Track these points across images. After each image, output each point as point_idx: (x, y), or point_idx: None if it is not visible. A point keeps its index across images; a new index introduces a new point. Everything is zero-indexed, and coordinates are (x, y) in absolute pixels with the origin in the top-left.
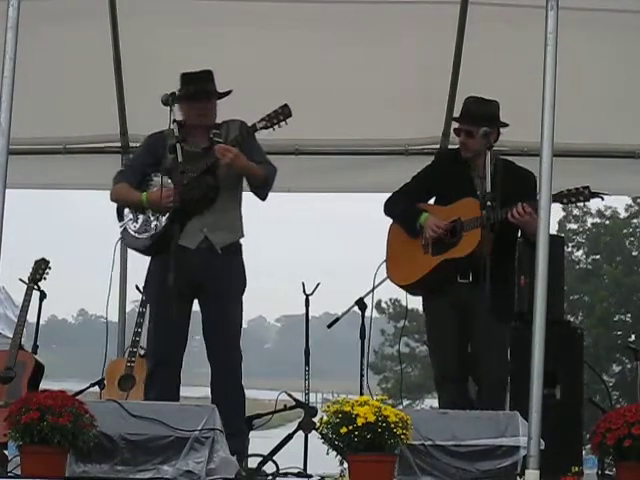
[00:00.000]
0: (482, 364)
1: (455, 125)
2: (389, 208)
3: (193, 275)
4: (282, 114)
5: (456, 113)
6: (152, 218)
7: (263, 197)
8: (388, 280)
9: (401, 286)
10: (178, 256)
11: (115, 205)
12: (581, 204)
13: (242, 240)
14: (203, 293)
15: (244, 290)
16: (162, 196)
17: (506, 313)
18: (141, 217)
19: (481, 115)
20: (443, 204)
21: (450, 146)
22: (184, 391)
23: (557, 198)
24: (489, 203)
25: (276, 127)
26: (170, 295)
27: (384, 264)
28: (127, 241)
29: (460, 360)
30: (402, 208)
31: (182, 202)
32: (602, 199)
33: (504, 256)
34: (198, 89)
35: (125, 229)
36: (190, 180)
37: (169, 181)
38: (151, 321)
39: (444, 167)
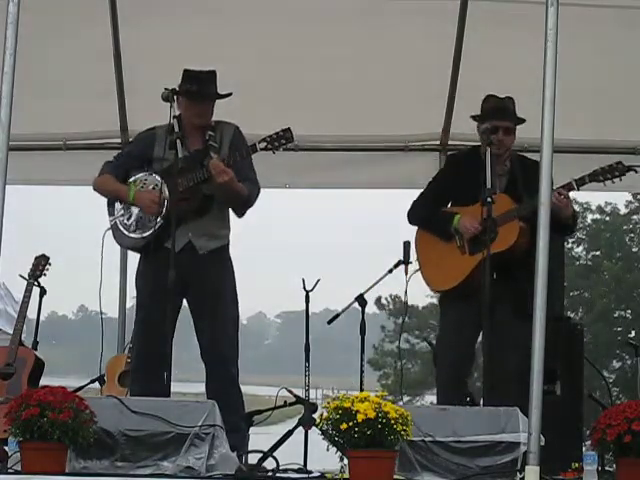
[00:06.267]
0: (499, 362)
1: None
2: (415, 217)
3: (178, 276)
4: (284, 138)
5: (457, 111)
6: (144, 218)
7: (240, 215)
8: (388, 277)
9: (442, 291)
10: (162, 257)
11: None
12: (611, 181)
13: (240, 238)
14: (190, 293)
15: (233, 286)
16: (148, 199)
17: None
18: (133, 215)
19: (514, 111)
20: (464, 204)
21: (450, 142)
22: (184, 387)
23: (592, 177)
24: (489, 199)
25: (276, 151)
26: (158, 295)
27: (415, 274)
28: (117, 237)
29: (470, 363)
30: (430, 215)
31: (177, 210)
32: (636, 172)
33: (527, 253)
34: (201, 90)
35: (115, 224)
36: (186, 189)
37: (165, 186)
38: (137, 319)
39: (462, 168)
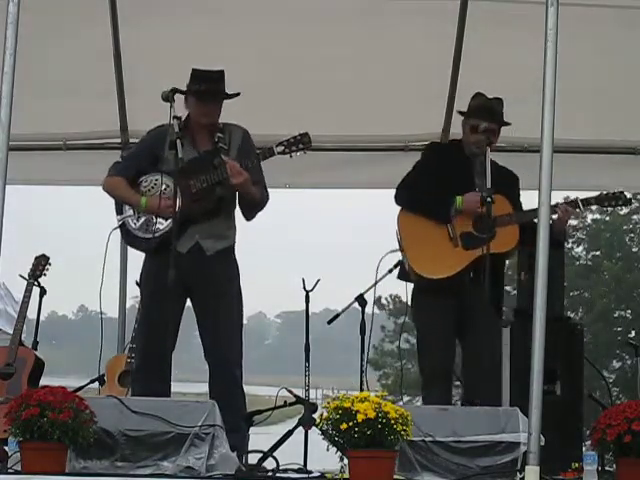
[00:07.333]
0: (478, 360)
1: (455, 120)
2: (405, 198)
3: (184, 276)
4: (302, 142)
5: (457, 109)
6: (155, 219)
7: (249, 218)
8: (389, 276)
9: (430, 279)
10: (168, 258)
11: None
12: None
13: (240, 238)
14: (195, 293)
15: (238, 287)
16: (161, 205)
17: (499, 309)
18: (142, 215)
19: (500, 113)
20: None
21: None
22: (184, 387)
23: (598, 201)
24: (489, 199)
25: (294, 155)
26: (163, 295)
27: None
28: (126, 237)
29: (451, 359)
30: (423, 196)
31: (190, 211)
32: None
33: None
34: (210, 90)
35: (124, 224)
36: (199, 190)
37: (169, 184)
38: (141, 318)
39: (444, 160)
